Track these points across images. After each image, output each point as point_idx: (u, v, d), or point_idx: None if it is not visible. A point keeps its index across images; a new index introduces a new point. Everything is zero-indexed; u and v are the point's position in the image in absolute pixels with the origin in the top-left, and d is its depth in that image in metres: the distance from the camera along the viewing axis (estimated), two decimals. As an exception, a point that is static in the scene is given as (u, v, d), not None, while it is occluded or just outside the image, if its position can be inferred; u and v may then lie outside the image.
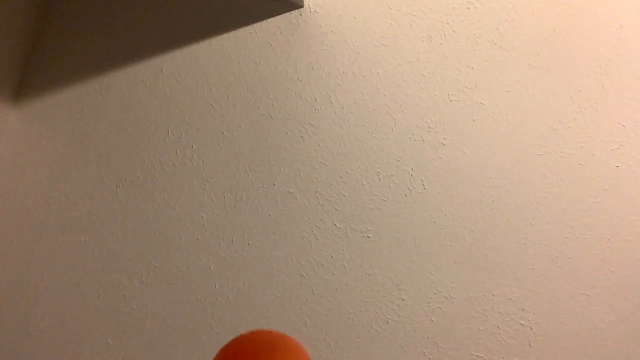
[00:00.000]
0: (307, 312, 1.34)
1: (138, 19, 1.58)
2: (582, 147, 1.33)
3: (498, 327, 1.26)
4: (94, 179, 1.48)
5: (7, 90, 1.54)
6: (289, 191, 1.40)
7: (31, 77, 1.59)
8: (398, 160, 1.37)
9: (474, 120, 1.37)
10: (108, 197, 1.46)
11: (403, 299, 1.30)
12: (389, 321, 1.29)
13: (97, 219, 1.45)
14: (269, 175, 1.41)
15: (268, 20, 1.51)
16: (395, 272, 1.31)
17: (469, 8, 1.43)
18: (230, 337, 1.36)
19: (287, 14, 1.50)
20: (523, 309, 1.26)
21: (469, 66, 1.40)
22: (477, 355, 1.25)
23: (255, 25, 1.51)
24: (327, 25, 1.48)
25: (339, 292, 1.33)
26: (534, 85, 1.37)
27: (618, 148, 1.32)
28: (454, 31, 1.43)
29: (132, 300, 1.39)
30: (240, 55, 1.50)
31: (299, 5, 1.49)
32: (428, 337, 1.27)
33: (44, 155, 1.51)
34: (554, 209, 1.30)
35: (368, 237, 1.34)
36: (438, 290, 1.29)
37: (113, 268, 1.41)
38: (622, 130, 1.33)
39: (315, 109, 1.43)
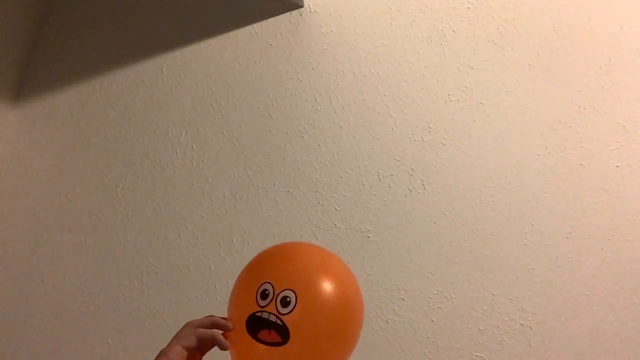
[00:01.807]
0: (307, 312, 1.34)
1: (138, 19, 1.58)
2: (582, 147, 1.33)
3: (498, 327, 1.26)
4: (94, 179, 1.48)
5: (7, 90, 1.54)
6: (289, 191, 1.39)
7: (31, 77, 1.59)
8: (398, 160, 1.37)
9: (474, 120, 1.37)
10: (108, 197, 1.46)
11: (403, 299, 1.30)
12: (389, 321, 1.29)
13: (97, 219, 1.45)
14: (269, 175, 1.41)
15: (268, 20, 1.51)
16: (395, 272, 1.31)
17: (469, 8, 1.43)
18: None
19: (287, 14, 1.50)
20: (523, 309, 1.26)
21: (469, 66, 1.40)
22: (477, 355, 1.25)
23: (255, 25, 1.51)
24: (327, 25, 1.47)
25: (339, 292, 1.33)
26: (534, 85, 1.37)
27: (618, 148, 1.32)
28: (454, 31, 1.43)
29: (132, 300, 1.39)
30: (240, 55, 1.50)
31: (299, 5, 1.49)
32: (428, 337, 1.27)
33: (44, 155, 1.51)
34: (554, 209, 1.30)
35: (368, 237, 1.34)
36: (438, 290, 1.29)
37: (113, 268, 1.41)
38: (622, 130, 1.33)
39: (315, 109, 1.43)
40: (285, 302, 0.66)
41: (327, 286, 0.69)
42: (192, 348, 0.71)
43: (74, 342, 1.38)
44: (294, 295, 0.66)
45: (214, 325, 0.73)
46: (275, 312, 0.65)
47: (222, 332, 0.74)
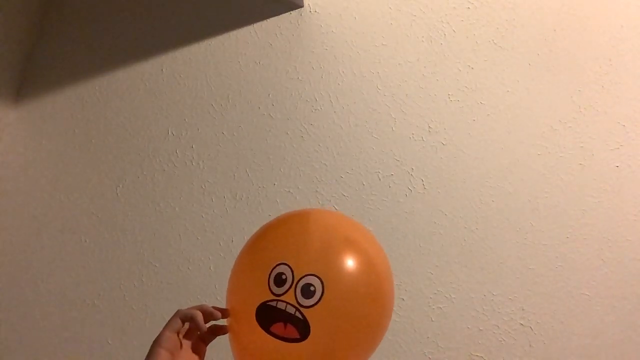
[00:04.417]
0: (307, 312, 1.34)
1: (138, 19, 1.58)
2: (582, 147, 1.33)
3: (498, 327, 1.26)
4: (94, 179, 1.48)
5: (7, 90, 1.54)
6: (289, 191, 1.39)
7: (31, 77, 1.59)
8: (398, 160, 1.37)
9: (474, 120, 1.37)
10: (108, 197, 1.46)
11: (403, 299, 1.30)
12: (389, 321, 1.29)
13: (97, 219, 1.45)
14: (269, 175, 1.41)
15: (268, 20, 1.51)
16: (395, 272, 1.31)
17: (469, 8, 1.43)
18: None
19: (287, 14, 1.50)
20: (523, 309, 1.26)
21: (469, 66, 1.40)
22: (477, 355, 1.25)
23: (255, 25, 1.51)
24: (327, 25, 1.47)
25: (339, 292, 1.33)
26: (534, 85, 1.37)
27: (618, 148, 1.32)
28: (454, 31, 1.43)
29: (132, 300, 1.39)
30: (240, 55, 1.50)
31: (299, 5, 1.49)
32: (428, 337, 1.27)
33: (44, 155, 1.51)
34: (554, 209, 1.30)
35: (368, 237, 1.34)
36: (438, 290, 1.29)
37: (113, 268, 1.41)
38: (622, 130, 1.33)
39: (315, 109, 1.43)
40: (308, 292, 0.52)
41: (360, 272, 0.54)
42: (180, 330, 0.71)
43: (74, 342, 1.38)
44: (319, 282, 0.51)
45: (202, 311, 0.73)
46: (294, 302, 0.52)
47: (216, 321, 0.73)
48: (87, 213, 1.46)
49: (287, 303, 0.53)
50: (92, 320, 1.39)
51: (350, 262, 0.55)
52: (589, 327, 1.24)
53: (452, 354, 1.26)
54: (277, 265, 0.54)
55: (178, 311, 0.72)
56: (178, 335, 0.71)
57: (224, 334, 0.74)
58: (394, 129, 1.39)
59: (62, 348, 1.38)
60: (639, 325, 1.23)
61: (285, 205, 1.38)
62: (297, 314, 0.52)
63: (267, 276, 0.54)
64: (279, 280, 0.53)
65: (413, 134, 1.38)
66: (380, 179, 1.37)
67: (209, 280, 1.37)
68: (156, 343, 0.70)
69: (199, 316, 0.69)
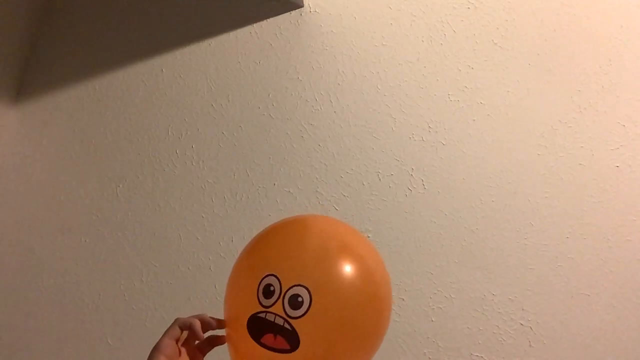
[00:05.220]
0: (307, 312, 1.34)
1: (138, 19, 1.58)
2: (582, 147, 1.33)
3: (498, 327, 1.26)
4: (94, 179, 1.48)
5: (7, 90, 1.54)
6: (289, 191, 1.39)
7: (31, 77, 1.59)
8: (398, 160, 1.37)
9: (474, 120, 1.37)
10: (108, 197, 1.46)
11: (403, 299, 1.30)
12: (389, 321, 1.29)
13: (97, 219, 1.45)
14: (269, 175, 1.41)
15: (268, 20, 1.51)
16: (395, 272, 1.31)
17: (469, 8, 1.43)
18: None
19: (287, 14, 1.50)
20: (523, 309, 1.26)
21: (469, 66, 1.40)
22: (477, 355, 1.25)
23: (255, 25, 1.51)
24: (327, 25, 1.47)
25: (339, 292, 1.33)
26: (534, 85, 1.37)
27: (618, 148, 1.32)
28: (454, 31, 1.43)
29: (132, 300, 1.39)
30: (240, 55, 1.50)
31: (299, 5, 1.49)
32: (428, 337, 1.27)
33: (44, 155, 1.51)
34: (554, 209, 1.30)
35: (368, 237, 1.34)
36: (438, 290, 1.29)
37: (113, 268, 1.41)
38: (622, 130, 1.33)
39: (315, 109, 1.43)
40: (295, 303, 0.52)
41: (352, 280, 0.54)
42: (179, 338, 0.71)
43: (74, 342, 1.38)
44: (306, 293, 0.52)
45: (200, 320, 0.74)
46: (282, 314, 0.53)
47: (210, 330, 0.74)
48: (87, 213, 1.46)
49: (276, 314, 0.53)
50: (92, 320, 1.39)
51: (341, 271, 0.55)
52: (589, 327, 1.24)
53: (452, 354, 1.26)
54: (265, 276, 0.55)
55: (177, 319, 0.73)
56: (177, 343, 0.71)
57: (221, 344, 0.74)
58: (394, 129, 1.39)
59: (62, 348, 1.38)
60: (639, 325, 1.23)
61: (285, 205, 1.38)
62: (286, 325, 0.53)
63: (257, 288, 0.55)
64: (267, 292, 0.54)
65: (413, 134, 1.38)
66: (380, 179, 1.37)
67: (209, 280, 1.37)
68: (156, 349, 0.70)
69: (197, 325, 0.70)
